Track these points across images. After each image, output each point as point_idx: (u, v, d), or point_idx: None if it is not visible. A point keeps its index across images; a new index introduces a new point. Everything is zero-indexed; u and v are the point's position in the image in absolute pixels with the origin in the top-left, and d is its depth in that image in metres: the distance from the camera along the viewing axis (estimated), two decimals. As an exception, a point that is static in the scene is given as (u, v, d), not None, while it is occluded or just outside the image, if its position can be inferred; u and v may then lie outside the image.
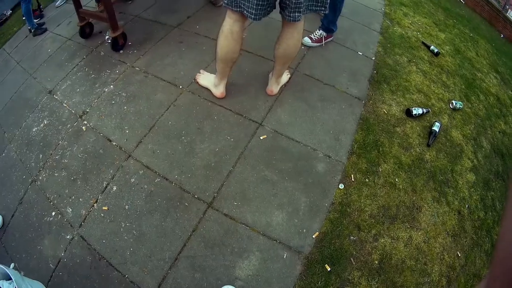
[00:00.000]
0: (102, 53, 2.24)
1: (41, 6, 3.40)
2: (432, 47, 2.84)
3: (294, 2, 1.41)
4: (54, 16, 3.22)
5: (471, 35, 4.01)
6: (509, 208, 0.36)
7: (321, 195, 1.42)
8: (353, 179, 1.51)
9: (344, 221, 1.43)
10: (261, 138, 1.56)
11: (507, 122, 2.83)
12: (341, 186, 1.46)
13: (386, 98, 2.00)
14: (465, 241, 1.72)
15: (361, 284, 1.31)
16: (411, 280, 1.39)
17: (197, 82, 1.94)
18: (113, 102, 1.89)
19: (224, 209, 1.36)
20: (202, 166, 1.48)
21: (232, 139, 1.59)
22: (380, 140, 1.71)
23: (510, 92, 3.45)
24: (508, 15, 6.45)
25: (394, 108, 1.96)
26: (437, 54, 2.80)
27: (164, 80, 1.97)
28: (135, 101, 1.86)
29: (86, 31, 2.42)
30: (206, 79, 1.92)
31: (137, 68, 2.06)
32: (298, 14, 1.46)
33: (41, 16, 3.23)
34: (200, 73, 1.98)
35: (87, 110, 1.88)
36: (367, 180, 1.53)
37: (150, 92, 1.90)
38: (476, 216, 1.90)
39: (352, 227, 1.45)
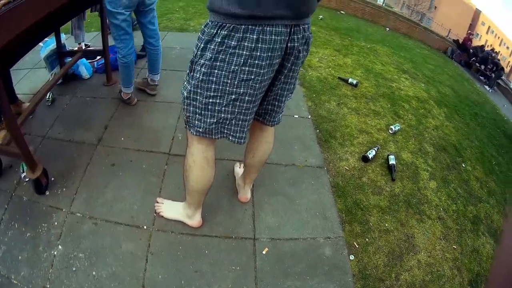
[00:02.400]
0: (25, 199, 2.03)
1: None
2: (350, 80, 3.50)
3: (282, 106, 1.46)
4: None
5: (368, 46, 4.95)
6: (505, 239, 0.41)
7: (342, 275, 1.82)
8: (356, 245, 1.93)
9: (370, 283, 1.85)
10: (264, 252, 1.90)
11: (434, 116, 3.59)
12: (352, 257, 1.88)
13: (340, 154, 2.52)
14: (453, 234, 2.38)
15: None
16: (436, 288, 1.98)
17: (162, 216, 1.93)
18: (74, 268, 1.73)
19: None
20: (226, 311, 1.71)
21: (238, 268, 1.85)
22: (357, 198, 2.20)
23: (422, 84, 4.33)
24: (386, 6, 7.90)
25: (351, 160, 2.48)
26: (356, 85, 3.46)
27: (121, 224, 1.92)
28: (101, 261, 1.74)
29: (-6, 169, 2.15)
30: (172, 210, 1.94)
31: (78, 214, 1.95)
32: (281, 114, 1.53)
33: None
34: (158, 202, 1.98)
35: (48, 287, 1.67)
36: (367, 239, 1.97)
37: (113, 245, 1.82)
38: (451, 211, 2.58)
39: (378, 283, 1.89)
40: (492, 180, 3.45)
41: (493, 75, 11.01)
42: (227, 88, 1.22)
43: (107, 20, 2.49)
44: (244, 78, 1.18)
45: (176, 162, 2.28)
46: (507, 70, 18.05)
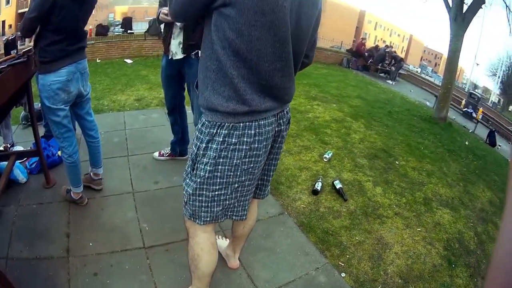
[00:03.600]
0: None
1: None
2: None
3: (270, 180, 1.80)
4: None
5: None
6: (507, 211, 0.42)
7: (342, 294, 2.36)
8: (342, 264, 2.63)
9: (368, 286, 2.50)
10: (273, 303, 2.36)
11: (355, 130, 4.56)
12: (343, 274, 2.56)
13: (292, 196, 3.19)
14: (413, 221, 3.24)
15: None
16: (420, 266, 2.68)
17: None
18: None
19: None
20: None
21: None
22: (324, 227, 2.87)
23: (334, 105, 5.36)
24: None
25: (304, 198, 3.16)
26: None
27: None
28: None
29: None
30: None
31: None
32: (269, 186, 1.91)
33: None
34: None
35: None
36: (347, 256, 2.66)
37: None
38: (403, 204, 3.47)
39: (374, 283, 2.54)
40: (427, 162, 4.44)
41: (393, 68, 13.08)
42: (231, 179, 1.50)
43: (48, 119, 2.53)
44: (245, 168, 1.47)
45: (156, 254, 2.57)
46: (403, 57, 21.13)
